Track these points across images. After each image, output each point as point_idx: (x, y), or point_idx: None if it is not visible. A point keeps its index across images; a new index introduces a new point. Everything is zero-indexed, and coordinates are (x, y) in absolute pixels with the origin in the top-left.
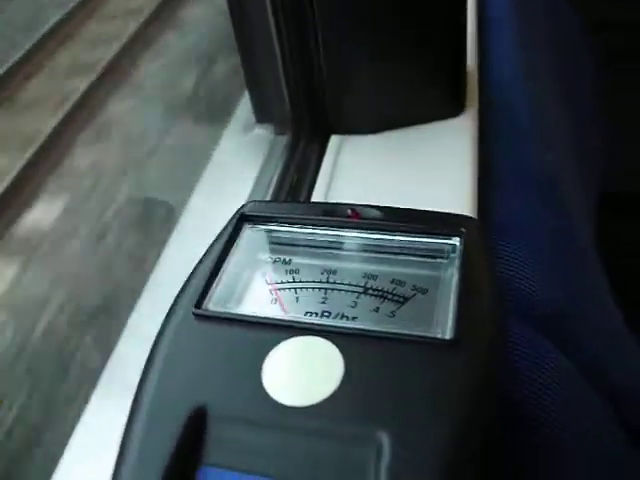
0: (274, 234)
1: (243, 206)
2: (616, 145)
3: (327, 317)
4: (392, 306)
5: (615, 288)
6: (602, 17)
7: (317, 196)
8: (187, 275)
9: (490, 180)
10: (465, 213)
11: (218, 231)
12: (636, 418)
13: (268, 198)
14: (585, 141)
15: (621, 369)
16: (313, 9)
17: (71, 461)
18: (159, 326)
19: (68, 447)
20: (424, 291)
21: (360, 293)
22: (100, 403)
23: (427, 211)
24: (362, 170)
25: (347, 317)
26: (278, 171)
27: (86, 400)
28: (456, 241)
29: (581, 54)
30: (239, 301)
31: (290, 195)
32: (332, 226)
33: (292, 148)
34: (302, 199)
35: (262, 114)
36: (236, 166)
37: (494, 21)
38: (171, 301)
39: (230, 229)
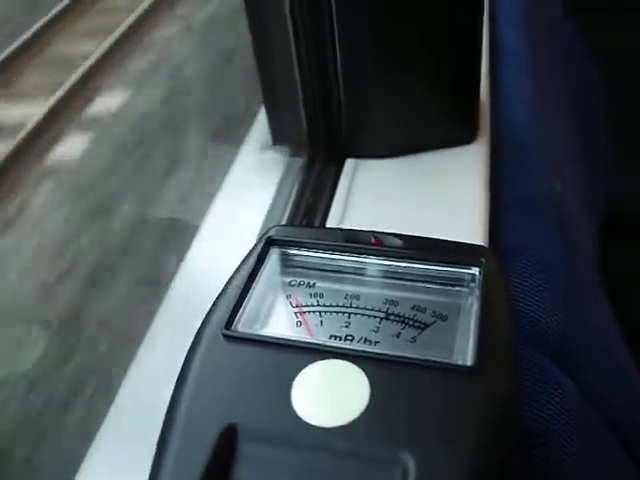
0: (299, 258)
1: (269, 229)
2: (621, 166)
3: (350, 341)
4: (413, 332)
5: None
6: (608, 44)
7: (332, 219)
8: (206, 294)
9: (500, 207)
10: (476, 238)
11: (234, 250)
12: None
13: (284, 219)
14: (591, 166)
15: (624, 397)
16: (333, 34)
17: None
18: (187, 347)
19: None
20: (444, 318)
21: (382, 318)
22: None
23: (447, 240)
24: (376, 194)
25: (370, 341)
26: (294, 193)
27: None
28: (475, 271)
29: (590, 83)
30: (265, 323)
31: (306, 217)
32: (355, 252)
33: (308, 170)
34: (317, 221)
35: (279, 135)
36: (252, 185)
37: (506, 51)
38: (184, 320)
39: (257, 252)
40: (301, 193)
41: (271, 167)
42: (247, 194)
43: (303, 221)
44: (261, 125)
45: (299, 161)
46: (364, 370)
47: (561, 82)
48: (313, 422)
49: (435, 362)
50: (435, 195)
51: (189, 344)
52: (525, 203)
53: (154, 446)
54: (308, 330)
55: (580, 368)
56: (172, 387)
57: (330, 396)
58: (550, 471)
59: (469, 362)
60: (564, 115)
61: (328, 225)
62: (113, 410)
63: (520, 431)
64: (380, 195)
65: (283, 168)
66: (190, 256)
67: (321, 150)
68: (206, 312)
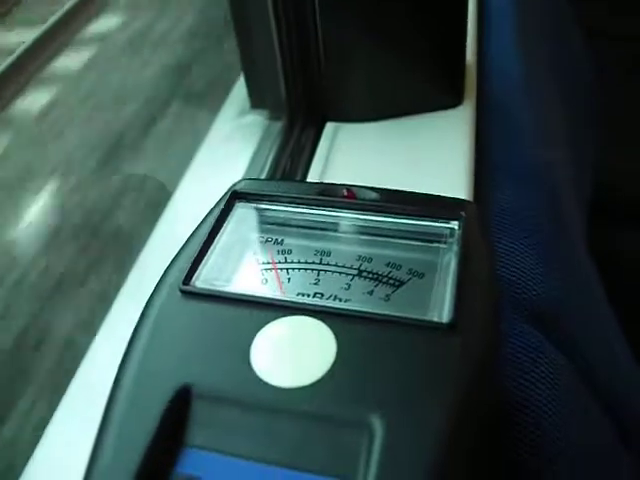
0: (266, 213)
1: (235, 184)
2: (610, 149)
3: (319, 298)
4: (387, 289)
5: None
6: (602, 25)
7: (310, 180)
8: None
9: (486, 172)
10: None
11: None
12: (628, 420)
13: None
14: (580, 139)
15: (616, 375)
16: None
17: None
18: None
19: None
20: (421, 275)
21: (354, 275)
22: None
23: (425, 194)
24: (357, 157)
25: (340, 299)
26: (272, 155)
27: None
28: (454, 225)
29: (579, 54)
30: (228, 280)
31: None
32: (326, 206)
33: (287, 133)
34: None
35: (257, 99)
36: (230, 149)
37: (493, 15)
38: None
39: (221, 206)
40: (279, 156)
41: (249, 131)
42: (224, 158)
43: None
44: (240, 90)
45: (278, 125)
46: (330, 327)
47: (549, 53)
48: (273, 382)
49: (408, 319)
50: (419, 159)
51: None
52: (513, 170)
53: None
54: (275, 287)
55: (569, 338)
56: None
57: (292, 355)
58: (535, 438)
59: (445, 319)
60: (550, 85)
61: None
62: (77, 379)
63: (502, 400)
64: (361, 159)
65: (261, 132)
66: (163, 220)
67: (300, 113)
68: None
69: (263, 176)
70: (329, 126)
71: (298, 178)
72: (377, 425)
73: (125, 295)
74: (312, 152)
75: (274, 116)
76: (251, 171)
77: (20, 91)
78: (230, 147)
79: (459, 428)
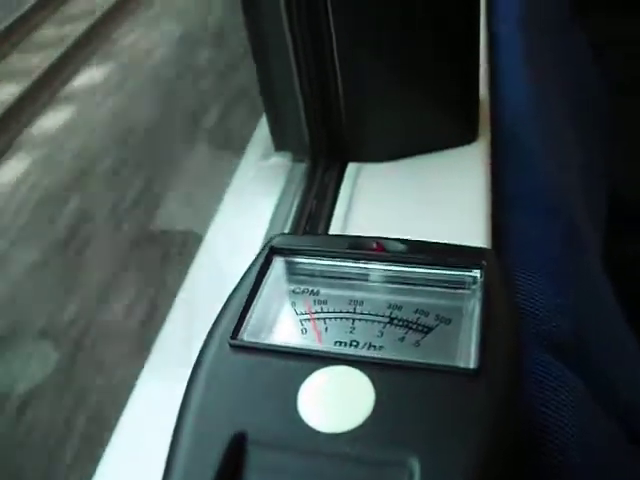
0: (302, 266)
1: (272, 238)
2: (622, 164)
3: (356, 346)
4: (417, 336)
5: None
6: (608, 36)
7: (336, 223)
8: (212, 305)
9: (503, 206)
10: (479, 238)
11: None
12: None
13: (288, 226)
14: (592, 157)
15: (636, 391)
16: (331, 38)
17: None
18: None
19: None
20: (447, 321)
21: (386, 323)
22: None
23: (449, 244)
24: (379, 197)
25: (374, 346)
26: (297, 199)
27: None
28: (477, 273)
29: (589, 76)
30: (270, 332)
31: (309, 222)
32: (358, 258)
33: (310, 175)
34: (321, 226)
35: (280, 142)
36: (255, 192)
37: (503, 48)
38: (190, 332)
39: (261, 261)
40: (304, 198)
41: (274, 174)
42: (250, 202)
43: (307, 226)
44: (262, 132)
45: (301, 167)
46: (369, 375)
47: (559, 72)
48: (320, 428)
49: (438, 366)
50: (437, 197)
51: (196, 355)
52: (528, 201)
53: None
54: (313, 337)
55: (589, 365)
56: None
57: (336, 402)
58: (559, 468)
59: (472, 365)
60: (561, 106)
61: (331, 230)
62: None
63: (527, 430)
64: (382, 198)
65: (286, 174)
66: (195, 267)
67: (323, 155)
68: (212, 323)
69: (290, 218)
70: (351, 167)
71: (324, 218)
72: (415, 466)
73: (161, 343)
74: (335, 193)
75: (297, 158)
76: (278, 213)
77: None
78: (256, 190)
79: (487, 465)
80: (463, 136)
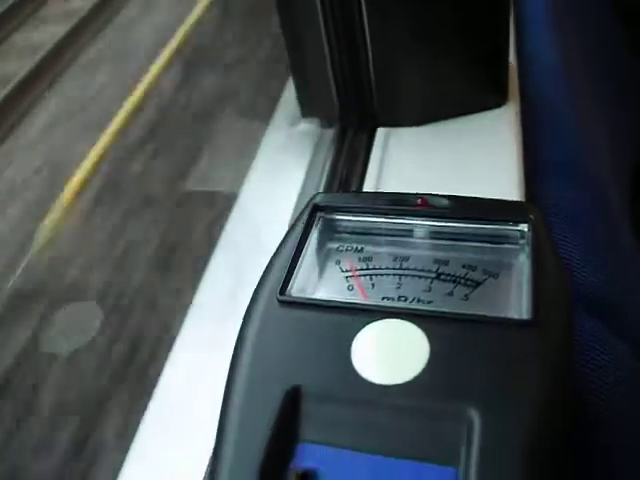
0: (346, 224)
1: (314, 196)
2: None
3: (404, 301)
4: (465, 290)
5: None
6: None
7: (368, 187)
8: (247, 267)
9: (535, 171)
10: (512, 198)
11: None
12: None
13: (322, 186)
14: (618, 125)
15: None
16: (360, 2)
17: None
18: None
19: None
20: (495, 275)
21: (433, 278)
22: None
23: (492, 199)
24: (410, 162)
25: (423, 301)
26: (327, 165)
27: None
28: (524, 227)
29: (613, 42)
30: (317, 288)
31: (342, 186)
32: (402, 214)
33: (339, 141)
34: (353, 189)
35: (308, 108)
36: (284, 160)
37: (530, 12)
38: (229, 291)
39: (305, 218)
40: (334, 165)
41: (302, 140)
42: (279, 170)
43: (339, 190)
44: (288, 100)
45: (330, 133)
46: (422, 328)
47: (584, 41)
48: (375, 380)
49: (492, 317)
50: (468, 161)
51: (238, 312)
52: (559, 165)
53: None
54: (360, 293)
55: (626, 323)
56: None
57: (390, 355)
58: (598, 431)
59: (525, 315)
60: (589, 73)
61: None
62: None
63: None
64: (413, 163)
65: (314, 140)
66: (228, 232)
67: (352, 120)
68: (258, 279)
69: (322, 184)
70: (380, 131)
71: (355, 184)
72: (474, 417)
73: (199, 303)
74: (366, 158)
75: (325, 124)
76: (309, 180)
77: None
78: (285, 157)
79: (547, 415)
80: (493, 100)
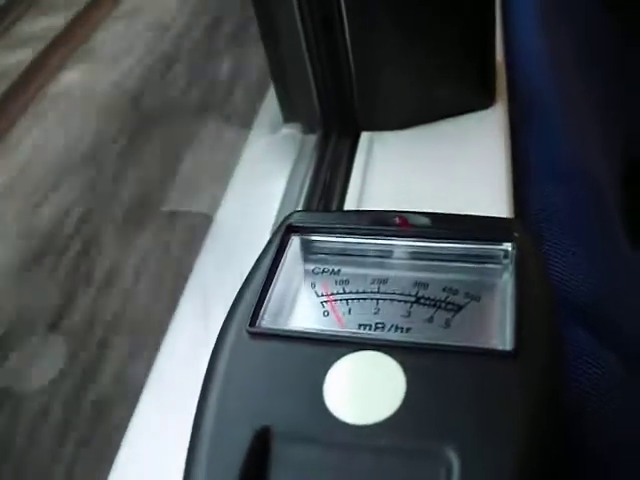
0: (321, 244)
1: (288, 217)
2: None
3: (381, 329)
4: (446, 314)
5: None
6: None
7: (351, 196)
8: (226, 284)
9: (524, 173)
10: (501, 205)
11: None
12: None
13: (302, 199)
14: (610, 119)
15: None
16: (340, 3)
17: None
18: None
19: None
20: (477, 298)
21: (413, 302)
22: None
23: (475, 216)
24: (394, 166)
25: (402, 328)
26: (311, 169)
27: None
28: (508, 246)
29: (601, 29)
30: (290, 316)
31: (324, 196)
32: (380, 235)
33: (322, 147)
34: (336, 199)
35: (290, 113)
36: (266, 167)
37: (517, 11)
38: (206, 311)
39: (277, 241)
40: (317, 171)
41: (284, 146)
42: (261, 177)
43: (321, 200)
44: (269, 105)
45: (313, 138)
46: (398, 361)
47: (574, 32)
48: (348, 420)
49: (472, 348)
50: (456, 164)
51: (212, 339)
52: (549, 166)
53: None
54: (336, 320)
55: (617, 334)
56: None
57: (364, 391)
58: (592, 447)
59: (508, 346)
60: (578, 66)
61: (347, 203)
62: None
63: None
64: (398, 168)
65: (296, 146)
66: (207, 246)
67: (334, 125)
68: (228, 309)
69: (304, 193)
70: (364, 136)
71: (339, 190)
72: (453, 457)
73: (176, 325)
74: (349, 163)
75: (308, 129)
76: (290, 188)
77: None
78: (267, 163)
79: (531, 457)
80: (480, 100)
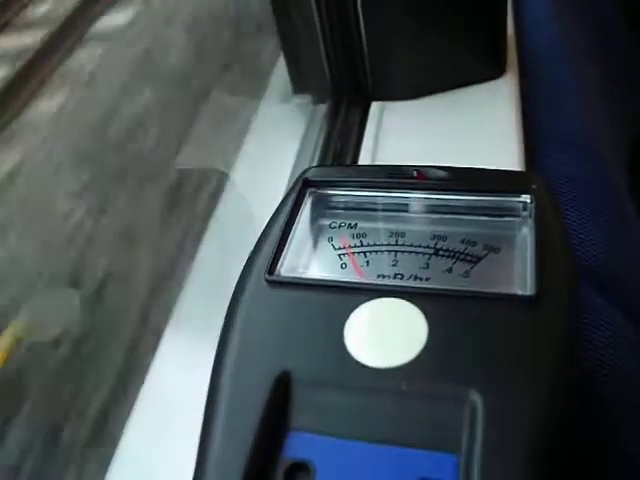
0: (338, 198)
1: (305, 171)
2: None
3: (400, 279)
4: (465, 266)
5: None
6: None
7: (363, 163)
8: (242, 243)
9: (535, 143)
10: (511, 168)
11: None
12: None
13: (315, 164)
14: (615, 96)
15: None
16: None
17: None
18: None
19: None
20: (497, 250)
21: (431, 254)
22: None
23: (493, 170)
24: (405, 137)
25: (421, 278)
26: (320, 142)
27: None
28: (526, 198)
29: (608, 13)
30: (307, 267)
31: (335, 162)
32: (397, 188)
33: (333, 116)
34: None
35: (300, 84)
36: (276, 137)
37: None
38: (221, 269)
39: (294, 194)
40: (327, 141)
41: (295, 116)
42: (271, 148)
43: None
44: (278, 77)
45: (323, 108)
46: (419, 307)
47: (585, 11)
48: (370, 364)
49: (493, 293)
50: (466, 133)
51: (230, 291)
52: (558, 136)
53: None
54: (354, 271)
55: (627, 296)
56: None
57: (385, 336)
58: (605, 408)
59: (529, 291)
60: (589, 42)
61: None
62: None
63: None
64: (409, 138)
65: (307, 116)
66: (221, 209)
67: (345, 95)
68: (246, 258)
69: (315, 160)
70: (374, 106)
71: (349, 159)
72: (477, 400)
73: (193, 280)
74: (360, 133)
75: (318, 100)
76: (302, 156)
77: None
78: (278, 133)
79: (553, 398)
80: (491, 71)
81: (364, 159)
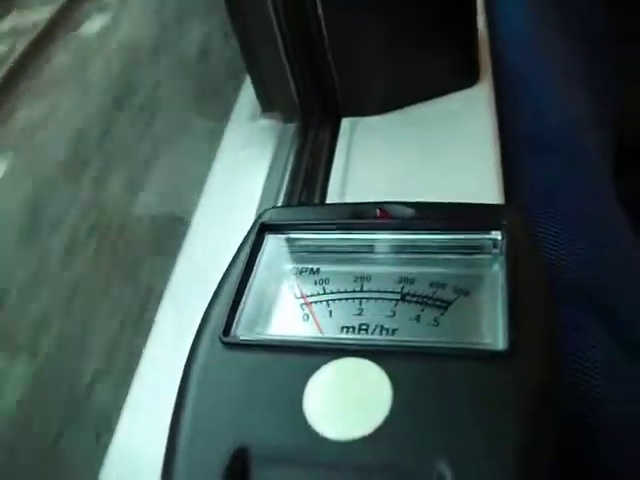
0: (298, 242)
1: (261, 214)
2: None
3: (365, 331)
4: (434, 312)
5: None
6: None
7: (334, 183)
8: (207, 286)
9: (513, 149)
10: (490, 186)
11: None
12: None
13: (283, 189)
14: (598, 88)
15: None
16: None
17: None
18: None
19: None
20: (466, 293)
21: (398, 300)
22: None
23: (460, 204)
24: (378, 152)
25: (387, 330)
26: (291, 159)
27: None
28: (497, 235)
29: (590, 9)
30: (268, 320)
31: (306, 186)
32: (360, 229)
33: (302, 135)
34: (318, 189)
35: (268, 103)
36: (245, 157)
37: None
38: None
39: (251, 241)
40: (299, 159)
41: (264, 136)
42: (241, 168)
43: (303, 191)
44: (247, 95)
45: (292, 127)
46: (383, 367)
47: (559, 8)
48: (331, 436)
49: (462, 349)
50: (441, 146)
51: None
52: (542, 142)
53: None
54: (317, 324)
55: (612, 311)
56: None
57: (347, 403)
58: (595, 429)
59: (500, 345)
60: (565, 39)
61: (330, 193)
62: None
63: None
64: (382, 153)
65: (276, 136)
66: (184, 253)
67: (314, 112)
68: (201, 317)
69: (285, 183)
70: (345, 122)
71: (321, 178)
72: (446, 472)
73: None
74: (331, 152)
75: (287, 118)
76: (271, 179)
77: None
78: (247, 154)
79: (530, 467)
80: (464, 79)
81: (335, 180)
